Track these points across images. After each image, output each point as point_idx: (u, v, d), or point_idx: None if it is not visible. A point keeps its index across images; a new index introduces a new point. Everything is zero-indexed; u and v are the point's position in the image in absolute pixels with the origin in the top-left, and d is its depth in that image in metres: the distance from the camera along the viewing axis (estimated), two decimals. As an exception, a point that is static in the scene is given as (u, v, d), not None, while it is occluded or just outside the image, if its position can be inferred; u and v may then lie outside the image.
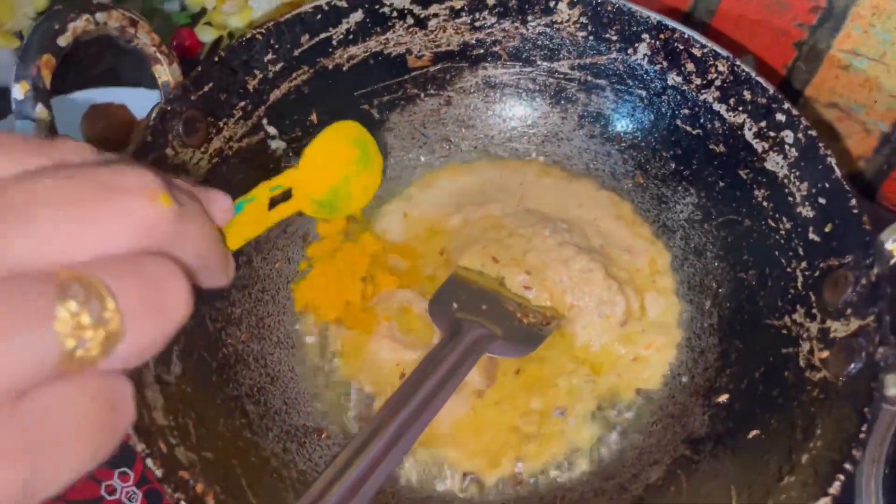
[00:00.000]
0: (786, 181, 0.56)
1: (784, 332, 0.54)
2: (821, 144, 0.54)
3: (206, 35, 0.81)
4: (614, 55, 0.63)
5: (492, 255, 0.61)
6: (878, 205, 0.78)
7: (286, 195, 0.43)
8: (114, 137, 0.75)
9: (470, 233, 0.64)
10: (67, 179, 0.24)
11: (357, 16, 0.61)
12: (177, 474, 0.43)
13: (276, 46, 0.58)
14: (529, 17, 0.64)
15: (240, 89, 0.57)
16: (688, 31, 0.60)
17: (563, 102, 0.67)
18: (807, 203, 0.55)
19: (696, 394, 0.57)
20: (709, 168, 0.62)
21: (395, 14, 0.62)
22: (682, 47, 0.61)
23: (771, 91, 0.57)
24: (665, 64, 0.62)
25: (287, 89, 0.60)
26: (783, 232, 0.56)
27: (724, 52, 0.59)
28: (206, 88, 0.55)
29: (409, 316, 0.60)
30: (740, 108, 0.59)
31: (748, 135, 0.59)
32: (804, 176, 0.55)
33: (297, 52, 0.60)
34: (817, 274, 0.53)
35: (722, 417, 0.55)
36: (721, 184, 0.62)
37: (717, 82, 0.60)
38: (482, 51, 0.66)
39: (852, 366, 0.48)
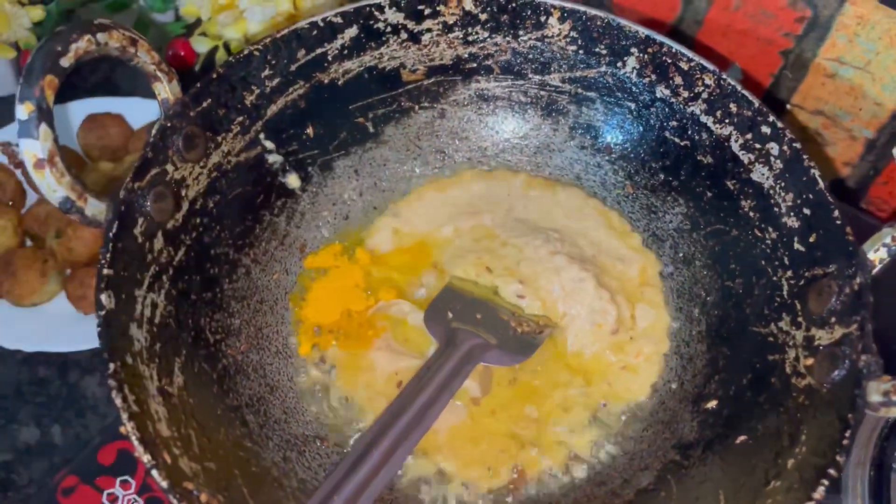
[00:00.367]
0: (771, 192, 0.58)
1: (770, 339, 0.55)
2: (805, 156, 0.55)
3: (201, 45, 0.81)
4: (604, 68, 0.64)
5: (485, 265, 0.62)
6: (864, 210, 0.79)
7: None
8: (110, 146, 0.76)
9: (462, 243, 0.65)
10: None
11: (352, 31, 0.62)
12: (181, 485, 0.43)
13: (273, 62, 0.59)
14: (521, 32, 0.65)
15: (238, 105, 0.58)
16: (675, 46, 0.61)
17: (554, 115, 0.68)
18: (792, 213, 0.56)
19: (686, 400, 0.58)
20: (697, 179, 0.63)
21: (388, 29, 0.63)
22: (669, 61, 0.62)
23: (756, 104, 0.58)
24: (653, 77, 0.63)
25: (284, 104, 0.61)
26: (769, 242, 0.58)
27: (710, 66, 0.60)
28: (204, 104, 0.56)
29: (404, 327, 0.61)
30: (727, 121, 0.60)
31: (735, 146, 0.60)
32: (789, 187, 0.56)
33: (293, 68, 0.61)
34: (802, 283, 0.54)
35: (710, 423, 0.56)
36: (709, 194, 0.63)
37: (704, 95, 0.61)
38: (475, 64, 0.67)
39: (836, 373, 0.49)
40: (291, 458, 0.54)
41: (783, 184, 0.57)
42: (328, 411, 0.58)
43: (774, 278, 0.57)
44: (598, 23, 0.62)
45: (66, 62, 0.47)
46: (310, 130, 0.64)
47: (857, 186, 0.78)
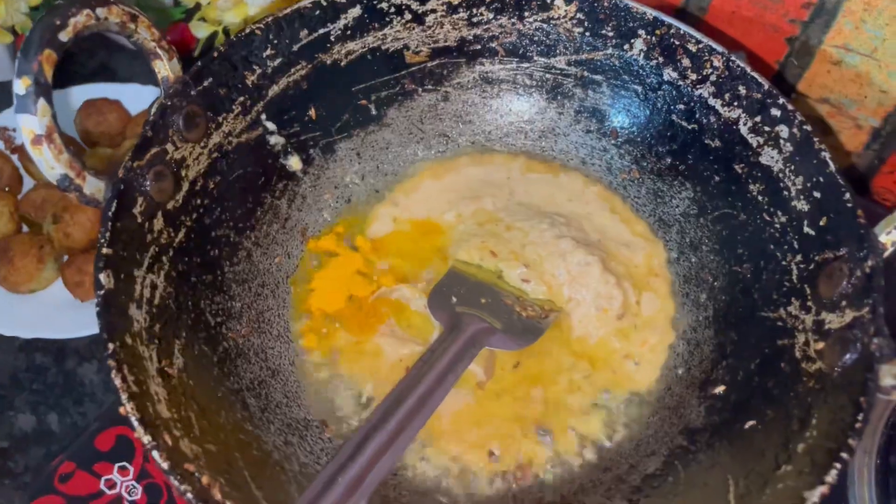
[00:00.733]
0: (781, 175, 0.57)
1: (779, 324, 0.55)
2: (815, 139, 0.55)
3: (200, 31, 0.80)
4: (610, 51, 0.64)
5: (490, 249, 0.61)
6: (870, 199, 0.78)
7: None
8: (108, 132, 0.75)
9: (466, 228, 0.64)
10: None
11: (355, 11, 0.61)
12: (182, 466, 0.43)
13: (275, 42, 0.59)
14: (526, 13, 0.64)
15: (239, 84, 0.57)
16: (684, 27, 0.61)
17: (559, 98, 0.68)
18: (801, 197, 0.55)
19: (693, 385, 0.58)
20: (704, 163, 0.63)
21: (392, 10, 0.62)
22: (677, 43, 0.61)
23: (766, 86, 0.58)
24: (661, 59, 0.62)
25: (285, 85, 0.60)
26: (778, 226, 0.57)
27: (719, 48, 0.60)
28: (205, 83, 0.55)
29: (407, 313, 0.61)
30: (735, 104, 0.60)
31: (743, 130, 0.59)
32: (799, 170, 0.56)
33: (295, 48, 0.60)
34: (812, 267, 0.54)
35: (718, 408, 0.55)
36: (716, 178, 0.62)
37: (713, 78, 0.60)
38: (479, 46, 0.66)
39: (847, 357, 0.48)
40: (293, 442, 0.54)
41: (793, 167, 0.56)
42: (332, 398, 0.57)
43: (783, 262, 0.56)
44: (605, 4, 0.62)
45: (64, 36, 0.46)
46: (312, 112, 0.63)
47: (862, 176, 0.78)
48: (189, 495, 0.41)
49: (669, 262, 0.64)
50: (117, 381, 0.44)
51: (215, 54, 0.55)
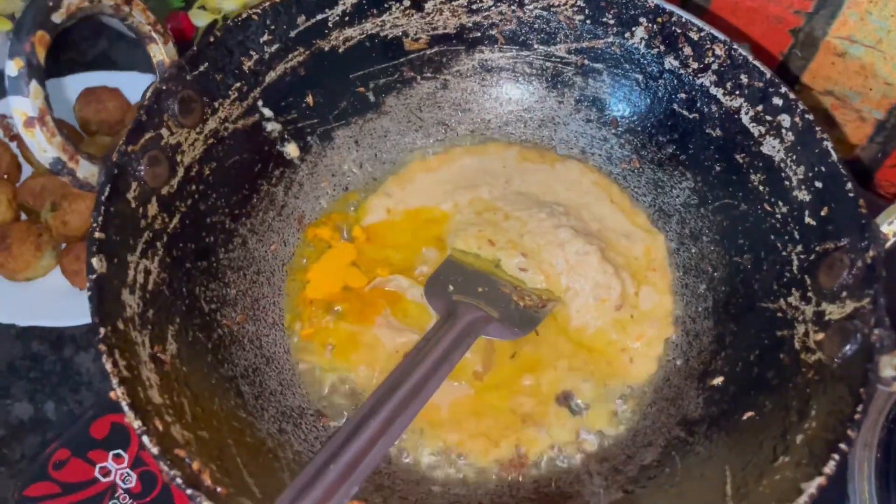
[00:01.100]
0: (782, 165, 0.56)
1: (779, 314, 0.54)
2: (818, 128, 0.54)
3: (199, 19, 0.80)
4: (611, 39, 0.63)
5: (488, 238, 0.61)
6: (873, 192, 0.78)
7: None
8: (107, 120, 0.75)
9: (464, 217, 0.64)
10: None
11: (353, -3, 0.61)
12: (172, 452, 0.42)
13: (272, 27, 0.58)
14: (526, 1, 0.63)
15: (235, 70, 0.57)
16: (685, 15, 0.60)
17: (559, 86, 0.67)
18: (803, 187, 0.55)
19: (691, 376, 0.57)
20: (705, 152, 0.62)
21: (391, -4, 0.62)
22: (679, 31, 0.60)
23: (768, 75, 0.57)
24: (662, 48, 0.62)
25: (283, 71, 0.60)
26: (779, 216, 0.56)
27: (721, 36, 0.59)
28: (201, 68, 0.54)
29: (403, 303, 0.60)
30: (737, 92, 0.59)
31: (745, 119, 0.59)
32: (801, 160, 0.55)
33: (292, 34, 0.59)
34: (813, 257, 0.53)
35: (716, 399, 0.55)
36: (717, 168, 0.62)
37: (715, 66, 0.60)
38: (479, 34, 0.65)
39: (847, 347, 0.48)
40: (287, 429, 0.53)
41: (794, 156, 0.56)
42: (327, 387, 0.57)
43: (784, 253, 0.55)
44: (606, -9, 0.61)
45: (57, 18, 0.46)
46: (309, 99, 0.62)
47: (866, 169, 0.77)
48: (178, 480, 0.41)
49: (669, 254, 0.63)
50: (108, 366, 0.43)
51: (211, 39, 0.55)
